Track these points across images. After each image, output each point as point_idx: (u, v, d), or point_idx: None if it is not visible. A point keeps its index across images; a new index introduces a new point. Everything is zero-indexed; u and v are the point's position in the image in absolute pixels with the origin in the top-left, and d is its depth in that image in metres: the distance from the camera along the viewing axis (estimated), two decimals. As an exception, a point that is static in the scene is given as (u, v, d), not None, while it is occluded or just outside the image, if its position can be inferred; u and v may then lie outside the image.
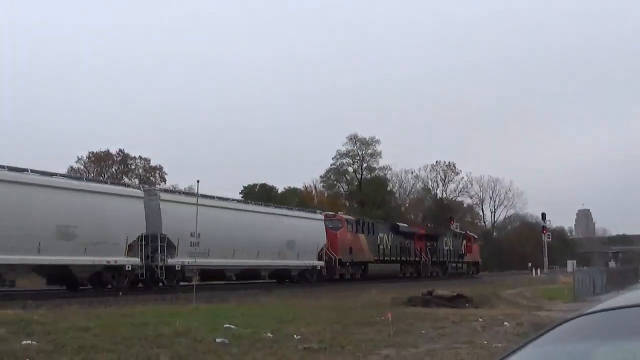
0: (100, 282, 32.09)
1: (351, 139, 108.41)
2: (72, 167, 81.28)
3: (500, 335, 17.89)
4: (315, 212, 52.68)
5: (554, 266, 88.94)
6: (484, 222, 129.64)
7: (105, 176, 77.85)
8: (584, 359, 2.76)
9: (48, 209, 28.75)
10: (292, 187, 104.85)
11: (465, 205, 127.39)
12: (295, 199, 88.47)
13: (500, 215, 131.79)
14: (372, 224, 58.70)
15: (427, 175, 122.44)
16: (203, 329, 16.49)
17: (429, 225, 73.75)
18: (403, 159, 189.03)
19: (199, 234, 34.80)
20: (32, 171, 29.26)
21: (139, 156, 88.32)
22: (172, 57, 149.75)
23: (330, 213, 56.06)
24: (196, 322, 17.77)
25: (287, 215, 47.32)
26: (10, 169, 27.27)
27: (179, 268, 35.75)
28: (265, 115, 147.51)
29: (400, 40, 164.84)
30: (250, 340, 15.33)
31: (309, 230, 47.74)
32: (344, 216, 56.74)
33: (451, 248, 73.96)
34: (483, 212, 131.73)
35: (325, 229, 50.23)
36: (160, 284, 35.09)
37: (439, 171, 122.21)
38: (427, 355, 14.14)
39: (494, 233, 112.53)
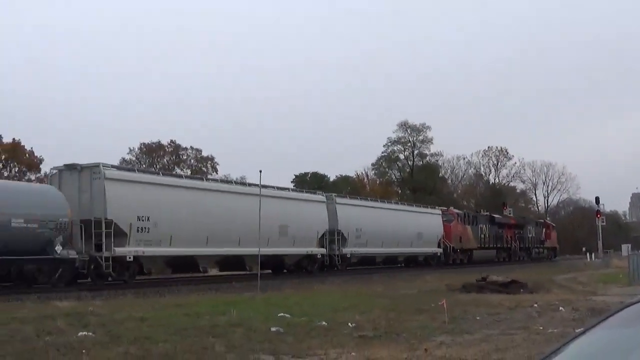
0: (300, 267, 42.11)
1: (402, 125, 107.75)
2: (124, 159, 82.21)
3: (556, 321, 17.66)
4: (434, 208, 61.73)
5: (608, 250, 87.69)
6: (537, 207, 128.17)
7: (157, 167, 78.45)
8: None
9: (273, 213, 37.37)
10: (343, 175, 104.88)
11: (518, 190, 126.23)
12: (347, 187, 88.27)
13: (554, 200, 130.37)
14: (474, 216, 67.02)
15: (479, 161, 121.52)
16: (258, 318, 16.55)
17: (480, 211, 73.76)
18: (454, 145, 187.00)
19: (360, 229, 46.52)
20: (263, 186, 36.59)
21: (190, 147, 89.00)
22: (220, 51, 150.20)
23: (444, 208, 64.06)
24: (251, 311, 17.85)
25: (416, 212, 57.29)
26: (250, 184, 35.47)
27: (349, 256, 45.74)
28: (314, 105, 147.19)
29: (449, 30, 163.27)
30: (305, 328, 15.35)
31: (430, 224, 57.02)
32: (455, 210, 65.31)
33: (534, 235, 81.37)
34: (536, 197, 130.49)
35: (442, 221, 58.60)
36: (335, 268, 44.00)
37: (491, 157, 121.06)
38: (482, 342, 14.01)
39: (548, 218, 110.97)
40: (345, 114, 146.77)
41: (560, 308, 20.66)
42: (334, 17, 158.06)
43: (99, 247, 29.18)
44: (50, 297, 22.76)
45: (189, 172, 79.71)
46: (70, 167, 31.03)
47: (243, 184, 37.61)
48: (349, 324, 16.17)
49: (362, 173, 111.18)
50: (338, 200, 46.91)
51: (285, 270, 41.47)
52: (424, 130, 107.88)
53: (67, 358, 11.51)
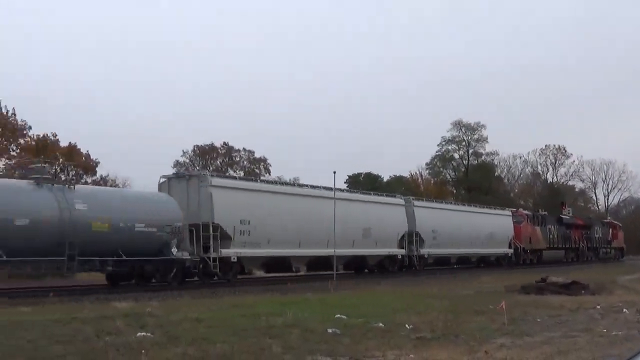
0: (381, 267, 44.66)
1: (456, 124, 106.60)
2: (177, 161, 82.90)
3: (619, 323, 17.24)
4: (504, 209, 63.36)
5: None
6: (597, 207, 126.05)
7: (211, 169, 78.87)
8: None
9: (358, 217, 41.31)
10: (397, 175, 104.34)
11: (577, 189, 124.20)
12: (401, 187, 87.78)
13: (614, 199, 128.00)
14: (542, 217, 68.36)
15: (537, 160, 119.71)
16: (314, 319, 16.48)
17: (539, 211, 73.01)
18: (510, 144, 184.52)
19: (436, 230, 49.14)
20: (348, 191, 43.39)
21: (243, 148, 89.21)
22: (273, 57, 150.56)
23: (513, 209, 65.81)
24: (307, 312, 17.78)
25: (487, 213, 59.40)
26: (335, 189, 38.17)
27: (427, 256, 48.42)
28: (368, 106, 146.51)
29: (506, 29, 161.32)
30: (361, 330, 15.21)
31: (501, 225, 59.21)
32: (524, 212, 67.26)
33: (601, 235, 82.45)
34: (596, 196, 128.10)
35: (512, 222, 60.60)
36: (414, 268, 46.47)
37: (548, 155, 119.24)
38: (544, 344, 13.75)
39: (608, 217, 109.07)
40: (399, 115, 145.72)
41: (624, 310, 20.19)
42: (380, 17, 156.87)
43: (206, 249, 32.29)
44: (109, 298, 23.19)
45: (241, 173, 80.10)
46: (179, 176, 35.45)
47: (329, 188, 39.13)
48: (406, 325, 15.99)
49: (416, 173, 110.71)
50: (416, 203, 49.78)
51: (366, 270, 44.23)
52: (479, 129, 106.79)
53: (126, 358, 11.57)
